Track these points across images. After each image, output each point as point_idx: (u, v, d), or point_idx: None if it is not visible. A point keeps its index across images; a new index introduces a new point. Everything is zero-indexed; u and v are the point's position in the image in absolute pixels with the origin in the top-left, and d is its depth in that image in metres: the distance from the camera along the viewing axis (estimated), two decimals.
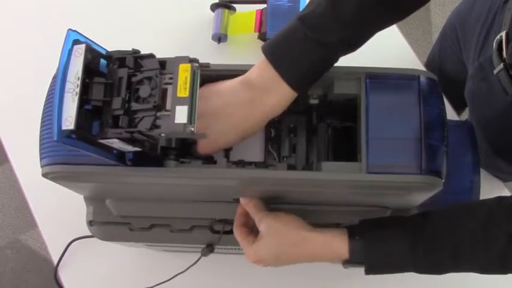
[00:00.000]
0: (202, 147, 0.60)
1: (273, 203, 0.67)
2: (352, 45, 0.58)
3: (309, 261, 0.65)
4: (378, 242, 0.61)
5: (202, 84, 0.57)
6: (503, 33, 0.76)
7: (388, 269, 0.62)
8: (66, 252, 0.91)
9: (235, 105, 0.58)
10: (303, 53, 0.56)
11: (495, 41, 0.78)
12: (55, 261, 0.91)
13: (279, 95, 0.58)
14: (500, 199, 0.61)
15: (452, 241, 0.59)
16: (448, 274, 0.62)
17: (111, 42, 0.57)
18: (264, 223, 0.64)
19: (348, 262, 0.62)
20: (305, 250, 0.63)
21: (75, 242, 0.90)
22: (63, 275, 0.92)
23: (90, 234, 0.73)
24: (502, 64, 0.76)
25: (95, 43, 0.53)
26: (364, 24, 0.58)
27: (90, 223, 0.72)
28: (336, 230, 0.63)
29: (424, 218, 0.62)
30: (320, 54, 0.56)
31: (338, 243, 0.62)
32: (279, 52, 0.57)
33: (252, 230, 0.67)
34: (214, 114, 0.58)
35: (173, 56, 0.53)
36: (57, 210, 0.92)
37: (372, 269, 0.62)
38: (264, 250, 0.64)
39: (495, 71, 0.78)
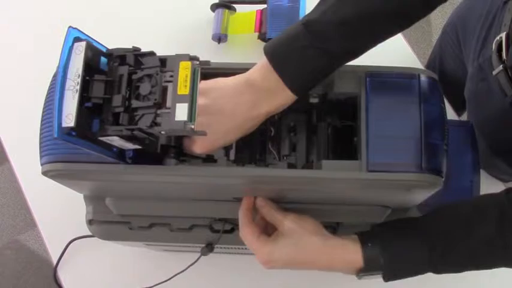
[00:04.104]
0: (201, 146, 0.59)
1: (274, 202, 0.67)
2: (358, 53, 0.58)
3: (324, 269, 0.64)
4: (395, 247, 0.61)
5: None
6: (503, 35, 0.76)
7: (407, 274, 0.62)
8: (65, 252, 0.91)
9: (240, 106, 0.58)
10: (306, 60, 0.55)
11: (495, 42, 0.78)
12: (54, 261, 0.91)
13: (281, 98, 0.57)
14: (508, 193, 0.61)
15: (469, 246, 0.60)
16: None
17: (111, 41, 0.57)
18: (287, 224, 0.63)
19: (363, 270, 0.61)
20: (318, 257, 0.63)
21: (75, 241, 0.90)
22: (63, 275, 0.92)
23: (89, 233, 0.73)
24: (501, 66, 0.76)
25: (96, 41, 0.53)
26: (370, 36, 0.57)
27: (90, 222, 0.72)
28: (347, 237, 0.63)
29: (437, 219, 0.62)
30: (324, 62, 0.56)
31: (350, 250, 0.61)
32: (282, 57, 0.56)
33: (262, 229, 0.65)
34: (218, 114, 0.58)
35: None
36: (57, 210, 0.92)
37: (392, 276, 0.62)
38: (279, 252, 0.63)
39: (494, 72, 0.78)
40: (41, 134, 0.62)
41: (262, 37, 0.97)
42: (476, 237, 0.59)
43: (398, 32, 0.60)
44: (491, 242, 0.59)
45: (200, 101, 0.57)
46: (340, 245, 0.62)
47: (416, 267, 0.61)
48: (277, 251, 0.63)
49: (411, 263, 0.61)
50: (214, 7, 1.00)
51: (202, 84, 0.59)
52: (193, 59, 0.52)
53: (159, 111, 0.50)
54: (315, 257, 0.63)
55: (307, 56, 0.55)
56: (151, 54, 0.53)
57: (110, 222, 0.71)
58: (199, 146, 0.59)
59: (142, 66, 0.52)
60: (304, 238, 0.63)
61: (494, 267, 0.62)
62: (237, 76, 0.59)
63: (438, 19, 1.94)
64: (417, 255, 0.60)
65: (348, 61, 0.58)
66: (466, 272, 0.62)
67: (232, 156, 0.66)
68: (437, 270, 0.62)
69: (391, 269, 0.61)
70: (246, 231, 0.64)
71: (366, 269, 0.61)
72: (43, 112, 0.63)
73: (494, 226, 0.59)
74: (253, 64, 0.59)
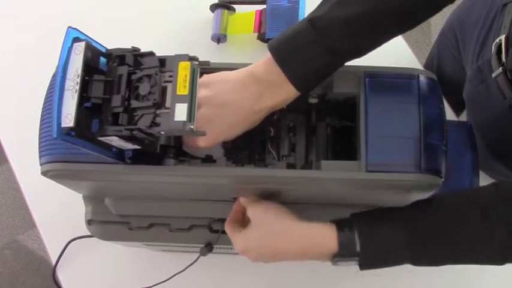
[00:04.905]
0: (204, 140, 0.58)
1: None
2: (361, 52, 0.58)
3: (298, 257, 0.63)
4: (373, 233, 0.60)
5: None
6: (502, 37, 0.76)
7: (384, 263, 0.61)
8: (64, 252, 0.91)
9: (244, 99, 0.58)
10: (311, 56, 0.56)
11: (494, 44, 0.78)
12: (53, 261, 0.91)
13: (284, 93, 0.57)
14: (496, 186, 0.61)
15: (452, 235, 0.59)
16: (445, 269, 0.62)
17: (110, 42, 0.57)
18: (252, 211, 0.64)
19: (337, 255, 0.61)
20: (289, 241, 0.62)
21: (74, 241, 0.90)
22: (62, 275, 0.92)
23: (88, 233, 0.73)
24: (501, 68, 0.76)
25: (95, 41, 0.53)
26: (374, 35, 0.58)
27: (89, 222, 0.72)
28: (323, 223, 0.62)
29: (420, 209, 0.61)
30: (328, 59, 0.56)
31: (325, 235, 0.61)
32: (286, 53, 0.56)
33: (242, 224, 0.66)
34: (222, 106, 0.58)
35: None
36: (56, 210, 0.92)
37: (367, 262, 0.61)
38: (250, 239, 0.64)
39: (493, 75, 0.78)
40: (40, 134, 0.62)
41: (261, 37, 0.97)
42: (461, 227, 0.59)
43: (404, 31, 0.60)
44: (476, 233, 0.59)
45: (203, 92, 0.57)
46: (313, 229, 0.62)
47: (394, 255, 0.60)
48: (248, 238, 0.64)
49: (389, 250, 0.60)
50: (213, 7, 1.00)
51: (206, 77, 0.59)
52: (192, 59, 0.52)
53: (158, 112, 0.51)
54: (287, 241, 0.63)
55: (311, 52, 0.55)
56: (151, 54, 0.53)
57: (109, 222, 0.71)
58: (202, 140, 0.59)
59: (141, 67, 0.53)
60: (272, 224, 0.63)
61: (477, 262, 0.61)
62: (240, 69, 0.59)
63: (438, 20, 1.94)
64: (396, 242, 0.60)
65: (351, 59, 0.58)
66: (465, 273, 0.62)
67: (221, 154, 0.66)
68: (416, 261, 0.61)
69: (367, 256, 0.60)
70: (227, 228, 0.66)
71: (341, 254, 0.60)
72: (42, 112, 0.63)
73: (479, 217, 0.58)
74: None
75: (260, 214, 0.64)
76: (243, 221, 0.67)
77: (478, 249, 0.60)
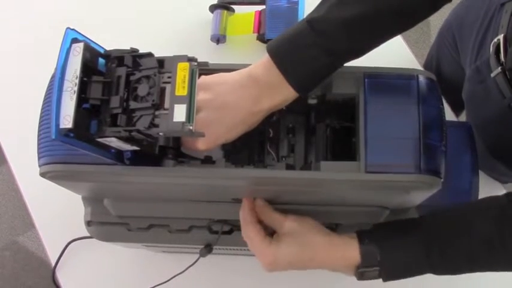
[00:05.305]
0: (203, 142, 0.58)
1: (271, 204, 0.67)
2: (361, 53, 0.58)
3: (323, 268, 0.64)
4: (393, 245, 0.61)
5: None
6: (500, 37, 0.76)
7: (406, 273, 0.62)
8: (64, 253, 0.91)
9: (243, 100, 0.57)
10: (310, 58, 0.55)
11: (492, 44, 0.78)
12: (53, 263, 0.91)
13: (283, 94, 0.57)
14: (509, 197, 0.61)
15: (468, 245, 0.60)
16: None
17: (109, 43, 0.56)
18: (288, 224, 0.63)
19: (360, 266, 0.61)
20: (323, 255, 0.63)
21: (73, 242, 0.90)
22: (61, 276, 0.92)
23: (88, 234, 0.73)
24: (499, 68, 0.76)
25: (94, 42, 0.53)
26: (374, 35, 0.57)
27: (88, 223, 0.72)
28: (346, 236, 0.63)
29: (436, 220, 0.62)
30: (328, 61, 0.56)
31: (349, 247, 0.62)
32: (285, 55, 0.56)
33: (266, 230, 0.65)
34: (222, 108, 0.57)
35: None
36: (56, 211, 0.92)
37: (389, 273, 0.62)
38: (284, 252, 0.63)
39: (492, 74, 0.78)
40: (39, 135, 0.62)
41: (260, 38, 0.97)
42: (476, 237, 0.59)
43: (402, 31, 0.60)
44: (490, 242, 0.59)
45: (203, 95, 0.57)
46: (341, 242, 0.63)
47: (414, 266, 0.61)
48: (282, 251, 0.63)
49: (409, 261, 0.61)
50: (212, 8, 1.00)
51: (205, 79, 0.59)
52: (191, 60, 0.52)
53: (157, 113, 0.50)
54: (320, 256, 0.63)
55: (310, 53, 0.55)
56: (149, 55, 0.53)
57: (109, 223, 0.71)
58: (201, 143, 0.58)
59: (140, 68, 0.52)
60: (308, 237, 0.63)
61: (494, 270, 0.62)
62: (239, 71, 0.59)
63: (437, 20, 1.94)
64: (415, 253, 0.60)
65: (350, 60, 0.58)
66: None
67: (220, 155, 0.65)
68: (436, 270, 0.61)
69: (388, 266, 0.61)
70: (251, 231, 0.64)
71: (363, 265, 0.61)
72: (41, 113, 0.63)
73: (494, 226, 0.59)
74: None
75: (299, 229, 0.63)
76: (264, 225, 0.65)
77: (494, 258, 0.60)
